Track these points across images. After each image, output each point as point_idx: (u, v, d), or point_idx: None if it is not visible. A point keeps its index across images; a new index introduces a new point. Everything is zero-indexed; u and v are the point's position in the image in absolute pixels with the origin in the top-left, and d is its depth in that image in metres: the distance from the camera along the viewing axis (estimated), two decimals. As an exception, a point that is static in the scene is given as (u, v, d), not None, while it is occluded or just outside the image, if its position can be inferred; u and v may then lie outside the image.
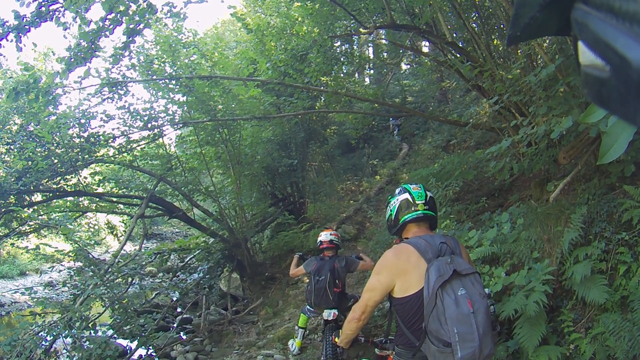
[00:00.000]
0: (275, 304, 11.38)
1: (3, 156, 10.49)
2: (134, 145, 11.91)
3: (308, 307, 7.09)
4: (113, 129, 11.21)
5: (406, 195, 3.48)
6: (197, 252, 13.62)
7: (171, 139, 14.74)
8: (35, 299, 12.27)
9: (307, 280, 7.69)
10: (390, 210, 3.56)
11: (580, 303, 4.73)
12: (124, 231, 15.13)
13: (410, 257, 3.13)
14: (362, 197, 15.60)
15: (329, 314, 6.61)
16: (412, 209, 3.43)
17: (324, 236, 7.13)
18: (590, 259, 4.68)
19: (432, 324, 2.91)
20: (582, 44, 0.91)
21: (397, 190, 3.63)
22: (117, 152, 11.72)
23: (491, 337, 2.92)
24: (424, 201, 3.43)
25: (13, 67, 12.59)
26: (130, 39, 8.09)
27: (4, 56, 8.92)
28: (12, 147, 10.56)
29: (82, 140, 10.63)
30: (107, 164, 12.30)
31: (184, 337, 11.74)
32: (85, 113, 10.38)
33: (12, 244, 14.69)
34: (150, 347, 10.00)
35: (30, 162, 9.81)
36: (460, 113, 11.89)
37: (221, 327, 11.29)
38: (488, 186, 8.87)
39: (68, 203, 12.77)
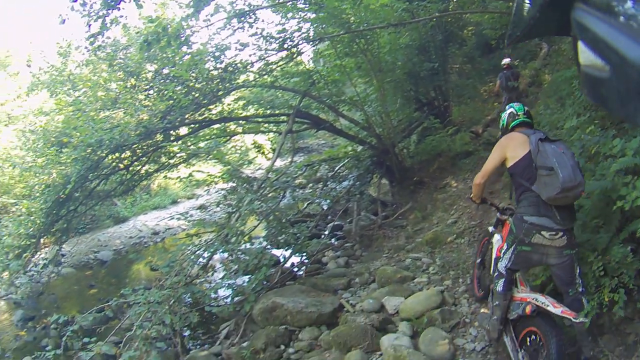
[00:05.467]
0: (423, 208, 11.50)
1: (142, 102, 11.10)
2: (273, 67, 12.12)
3: None
4: (250, 56, 11.43)
5: (511, 110, 5.16)
6: (346, 160, 13.91)
7: (309, 55, 14.78)
8: (190, 222, 13.07)
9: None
10: (502, 121, 5.25)
11: None
12: (272, 149, 15.64)
13: (516, 138, 4.79)
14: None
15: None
16: (516, 118, 5.07)
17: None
18: None
19: (540, 160, 4.36)
20: (581, 44, 0.89)
21: (505, 109, 5.30)
22: (257, 76, 12.06)
23: (580, 171, 4.28)
24: (523, 112, 5.08)
25: (133, 24, 13.01)
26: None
27: (125, 16, 9.35)
28: (150, 92, 11.11)
29: (220, 71, 10.99)
30: (249, 89, 12.61)
31: (335, 243, 12.27)
32: (218, 46, 10.69)
33: (165, 177, 15.63)
34: (304, 254, 10.62)
35: (171, 101, 10.35)
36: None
37: (371, 232, 11.73)
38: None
39: (214, 130, 13.50)
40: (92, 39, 9.31)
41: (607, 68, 0.84)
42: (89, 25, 8.82)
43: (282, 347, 7.34)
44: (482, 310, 6.30)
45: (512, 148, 4.70)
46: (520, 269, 4.93)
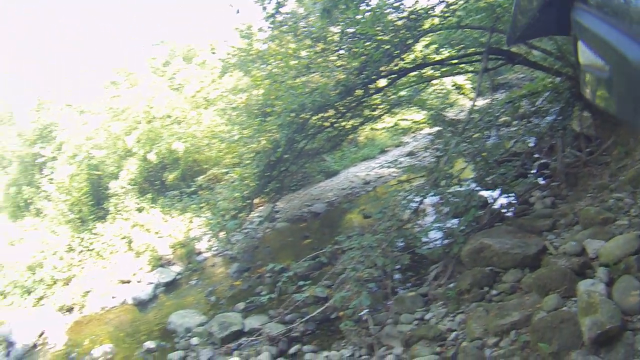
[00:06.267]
0: (626, 143, 10.79)
1: (335, 62, 11.66)
2: (454, 7, 12.05)
3: None
4: (428, 0, 11.43)
5: None
6: (546, 94, 13.47)
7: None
8: (400, 169, 13.50)
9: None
10: None
11: None
12: (472, 88, 15.58)
13: None
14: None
15: None
16: None
17: None
18: None
19: None
20: (581, 43, 0.99)
21: None
22: (441, 19, 12.03)
23: None
24: None
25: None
26: None
27: None
28: (340, 52, 11.68)
29: (404, 20, 11.12)
30: (436, 32, 12.67)
31: (542, 182, 12.02)
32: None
33: (371, 128, 16.19)
34: (511, 194, 10.61)
35: (364, 57, 10.77)
36: None
37: (576, 169, 11.26)
38: None
39: (412, 78, 13.62)
40: (271, 19, 10.11)
41: (607, 68, 0.86)
42: (264, 8, 9.63)
43: (486, 288, 7.60)
44: None
45: None
46: None
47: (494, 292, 7.50)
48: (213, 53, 17.74)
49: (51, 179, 18.26)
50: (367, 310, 8.14)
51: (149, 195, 19.02)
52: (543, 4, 1.02)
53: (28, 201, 19.77)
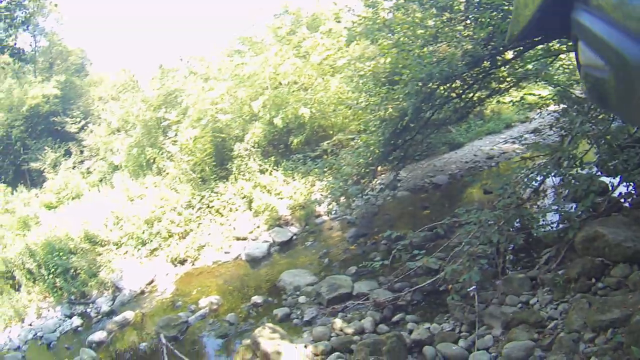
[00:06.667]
0: None
1: (462, 32, 11.38)
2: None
3: None
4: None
5: None
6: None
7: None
8: (524, 145, 13.16)
9: None
10: None
11: None
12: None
13: None
14: None
15: None
16: None
17: None
18: None
19: None
20: (582, 43, 0.95)
21: None
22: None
23: None
24: None
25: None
26: None
27: None
28: (467, 22, 11.36)
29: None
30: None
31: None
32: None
33: (497, 101, 15.85)
34: (632, 183, 9.90)
35: (491, 27, 10.47)
36: None
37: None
38: None
39: (539, 51, 13.12)
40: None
41: (607, 68, 0.85)
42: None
43: (593, 280, 7.40)
44: None
45: None
46: None
47: (600, 285, 7.29)
48: (338, 22, 17.88)
49: (175, 141, 19.48)
50: (475, 286, 8.07)
51: (272, 158, 19.64)
52: (543, 3, 1.00)
53: (150, 161, 21.25)
